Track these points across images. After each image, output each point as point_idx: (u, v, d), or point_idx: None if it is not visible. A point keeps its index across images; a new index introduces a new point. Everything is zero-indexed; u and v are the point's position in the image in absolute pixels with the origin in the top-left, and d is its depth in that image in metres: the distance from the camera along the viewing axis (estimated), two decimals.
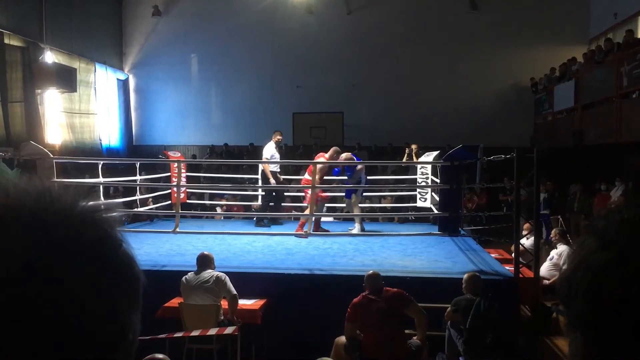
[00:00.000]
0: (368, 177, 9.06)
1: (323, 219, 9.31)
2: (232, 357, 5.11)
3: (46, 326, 0.46)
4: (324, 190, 8.50)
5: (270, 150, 9.11)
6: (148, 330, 4.45)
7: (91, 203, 0.52)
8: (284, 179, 9.75)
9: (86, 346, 0.48)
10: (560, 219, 10.65)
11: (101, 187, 8.29)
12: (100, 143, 16.09)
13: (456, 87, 16.35)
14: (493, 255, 7.12)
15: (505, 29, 16.19)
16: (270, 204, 9.32)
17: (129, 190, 10.83)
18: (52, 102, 13.95)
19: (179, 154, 11.56)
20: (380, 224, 9.95)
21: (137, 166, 9.59)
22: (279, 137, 9.38)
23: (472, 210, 11.57)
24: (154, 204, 10.48)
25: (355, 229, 8.23)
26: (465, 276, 5.07)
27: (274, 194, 9.38)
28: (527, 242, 7.06)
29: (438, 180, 8.20)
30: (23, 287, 0.46)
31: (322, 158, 8.16)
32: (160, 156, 12.49)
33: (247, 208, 11.54)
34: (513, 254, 6.22)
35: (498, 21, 16.26)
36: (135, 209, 9.30)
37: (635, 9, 12.86)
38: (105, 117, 16.49)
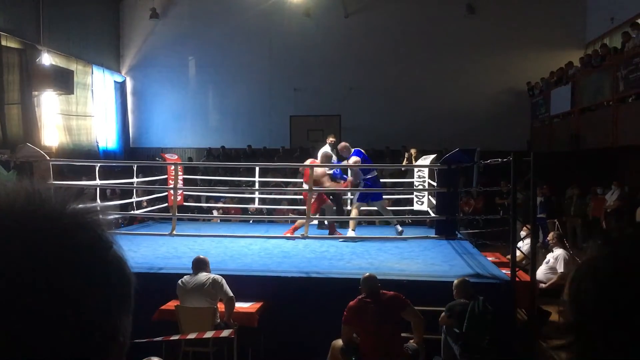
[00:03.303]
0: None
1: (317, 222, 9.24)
2: None
3: (35, 328, 0.45)
4: (326, 194, 8.39)
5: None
6: (144, 332, 4.44)
7: (81, 205, 0.52)
8: (282, 182, 9.63)
9: (76, 348, 0.47)
10: (557, 222, 10.66)
11: (98, 189, 8.27)
12: (97, 145, 16.06)
13: (453, 90, 16.38)
14: (490, 258, 7.11)
15: (502, 33, 16.23)
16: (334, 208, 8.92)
17: (126, 192, 10.80)
18: (49, 104, 13.93)
19: (176, 157, 11.54)
20: (376, 227, 9.94)
21: (134, 169, 9.57)
22: (332, 139, 9.40)
23: (469, 213, 11.58)
24: (149, 206, 10.44)
25: (349, 233, 8.08)
26: (455, 282, 5.08)
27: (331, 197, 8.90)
28: (523, 245, 7.06)
29: (435, 184, 8.19)
30: (11, 290, 0.45)
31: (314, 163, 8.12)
32: (157, 159, 12.46)
33: (244, 211, 11.52)
34: (509, 257, 6.22)
35: (495, 25, 16.31)
36: (132, 212, 9.28)
37: (632, 14, 12.90)
38: (102, 120, 16.46)
